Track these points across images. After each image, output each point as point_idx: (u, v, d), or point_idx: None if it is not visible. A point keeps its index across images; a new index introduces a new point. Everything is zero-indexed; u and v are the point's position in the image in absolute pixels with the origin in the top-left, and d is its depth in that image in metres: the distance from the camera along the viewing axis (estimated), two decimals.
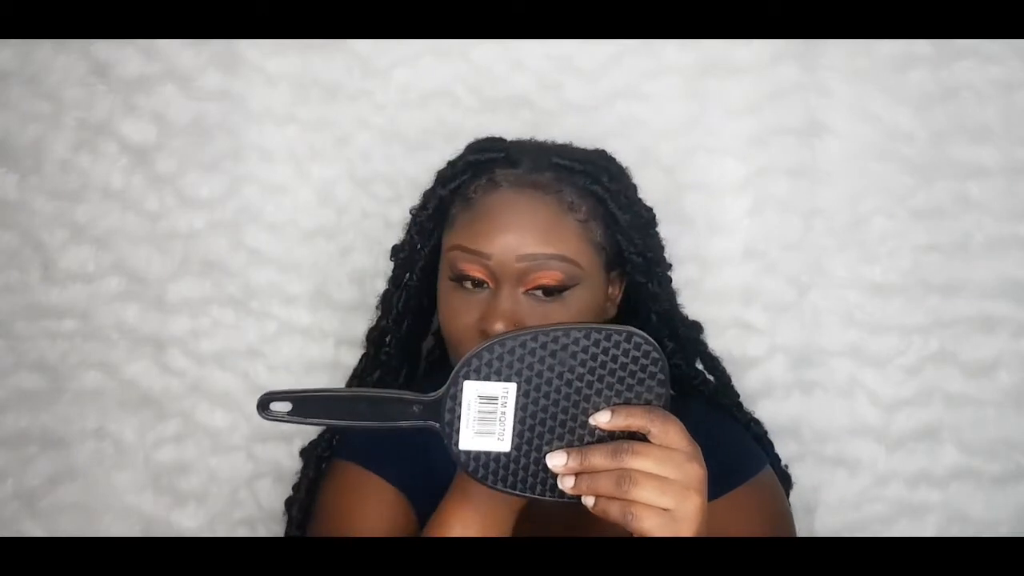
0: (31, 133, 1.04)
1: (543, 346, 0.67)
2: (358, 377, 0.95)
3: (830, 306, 1.07)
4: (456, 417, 0.68)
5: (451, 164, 0.87)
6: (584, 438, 0.69)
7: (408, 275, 0.90)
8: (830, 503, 1.07)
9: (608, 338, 0.67)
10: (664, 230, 0.90)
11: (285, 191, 1.07)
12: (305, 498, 0.94)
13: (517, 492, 0.70)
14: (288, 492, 0.98)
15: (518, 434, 0.68)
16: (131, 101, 1.05)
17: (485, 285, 0.80)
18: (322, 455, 0.94)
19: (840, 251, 1.07)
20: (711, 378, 0.97)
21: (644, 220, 0.87)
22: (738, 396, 0.98)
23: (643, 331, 0.68)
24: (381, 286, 0.96)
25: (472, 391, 0.67)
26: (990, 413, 1.06)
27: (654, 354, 0.68)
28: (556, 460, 0.68)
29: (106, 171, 1.05)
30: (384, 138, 1.08)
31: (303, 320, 1.07)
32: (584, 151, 0.88)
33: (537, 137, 0.91)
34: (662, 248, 0.90)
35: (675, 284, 0.93)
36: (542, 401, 0.68)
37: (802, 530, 1.03)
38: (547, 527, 0.80)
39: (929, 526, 1.06)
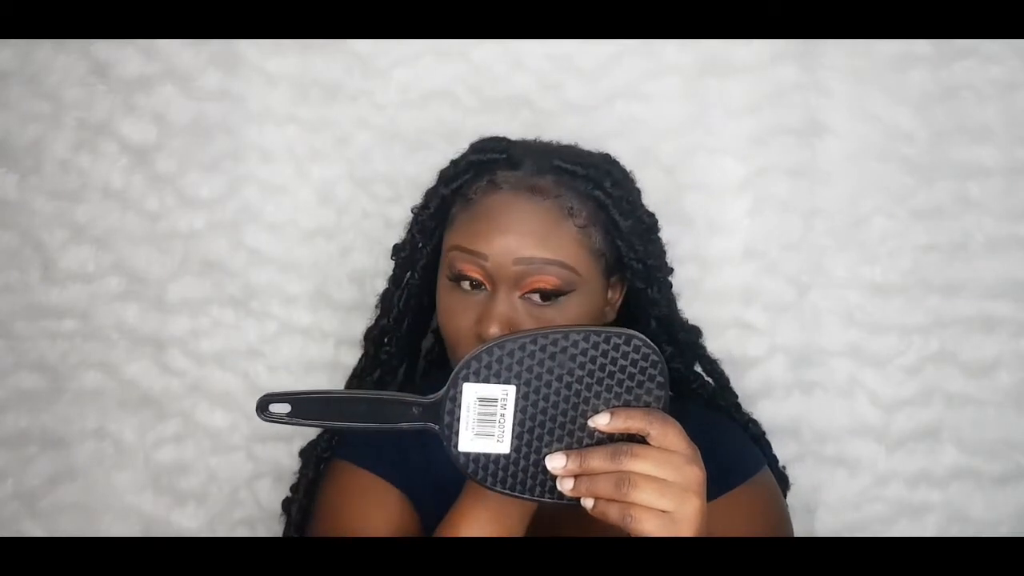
0: (31, 133, 1.04)
1: (542, 349, 0.67)
2: (358, 377, 0.95)
3: (830, 306, 1.07)
4: (455, 419, 0.68)
5: (454, 163, 0.87)
6: (583, 440, 0.69)
7: (409, 274, 0.90)
8: (830, 503, 1.07)
9: (607, 341, 0.67)
10: (664, 230, 0.90)
11: (285, 191, 1.07)
12: (304, 499, 0.93)
13: (516, 494, 0.70)
14: (288, 492, 0.98)
15: (517, 436, 0.68)
16: (131, 101, 1.05)
17: (483, 287, 0.80)
18: (321, 455, 0.94)
19: (840, 251, 1.07)
20: (710, 380, 0.97)
21: (645, 226, 0.86)
22: (736, 397, 0.98)
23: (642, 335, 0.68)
24: (381, 286, 0.95)
25: (471, 393, 0.67)
26: (990, 413, 1.06)
27: (653, 357, 0.68)
28: (555, 462, 0.68)
29: (106, 171, 1.05)
30: (384, 138, 1.08)
31: (303, 320, 1.07)
32: (589, 154, 0.88)
33: (537, 137, 0.91)
34: (663, 254, 0.90)
35: (675, 284, 0.93)
36: (541, 403, 0.68)
37: (802, 530, 1.04)
38: (557, 528, 0.80)
39: (929, 526, 1.06)
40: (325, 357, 1.07)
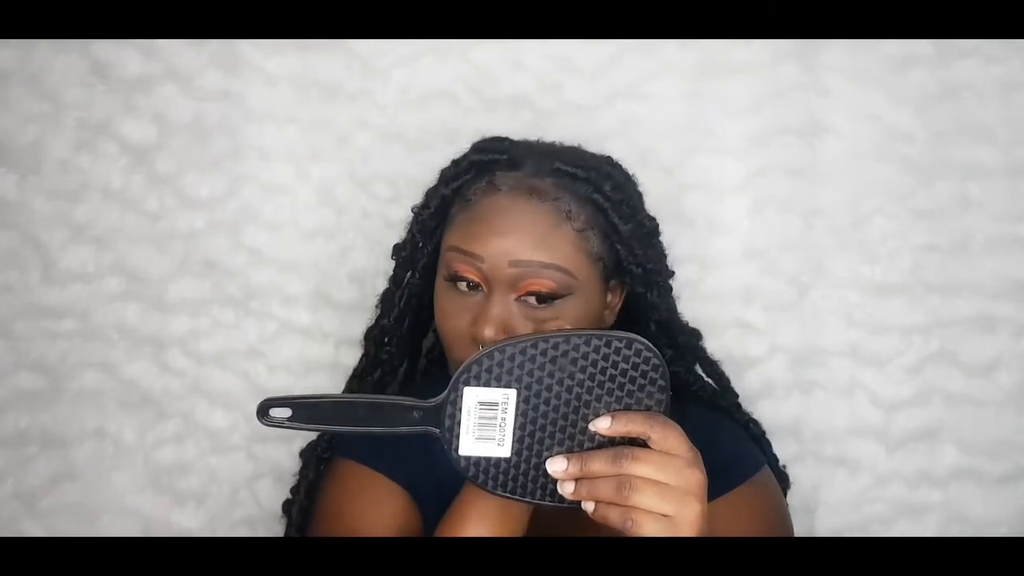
0: (31, 133, 1.04)
1: (543, 352, 0.67)
2: (358, 377, 0.95)
3: (830, 306, 1.07)
4: (456, 423, 0.68)
5: (455, 163, 0.87)
6: (584, 444, 0.69)
7: (409, 274, 0.90)
8: (830, 503, 1.07)
9: (608, 344, 0.67)
10: (664, 230, 0.90)
11: (285, 191, 1.07)
12: (305, 500, 0.93)
13: (517, 497, 0.70)
14: (288, 492, 0.98)
15: (518, 440, 0.68)
16: (131, 101, 1.05)
17: (480, 288, 0.80)
18: (322, 456, 0.94)
19: (840, 251, 1.07)
20: (710, 382, 0.97)
21: (646, 230, 0.86)
22: (737, 397, 0.98)
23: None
24: (381, 286, 0.95)
25: (472, 397, 0.67)
26: (990, 413, 1.06)
27: (654, 360, 0.68)
28: (556, 466, 0.68)
29: (106, 171, 1.05)
30: (384, 138, 1.08)
31: (303, 320, 1.07)
32: (591, 157, 0.87)
33: (540, 138, 0.91)
34: (664, 258, 0.90)
35: (675, 284, 0.93)
36: (542, 407, 0.68)
37: (802, 530, 1.03)
38: (557, 528, 0.80)
39: (929, 526, 1.06)
40: (325, 357, 1.07)
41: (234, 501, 1.06)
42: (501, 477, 0.69)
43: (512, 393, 0.67)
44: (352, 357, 0.99)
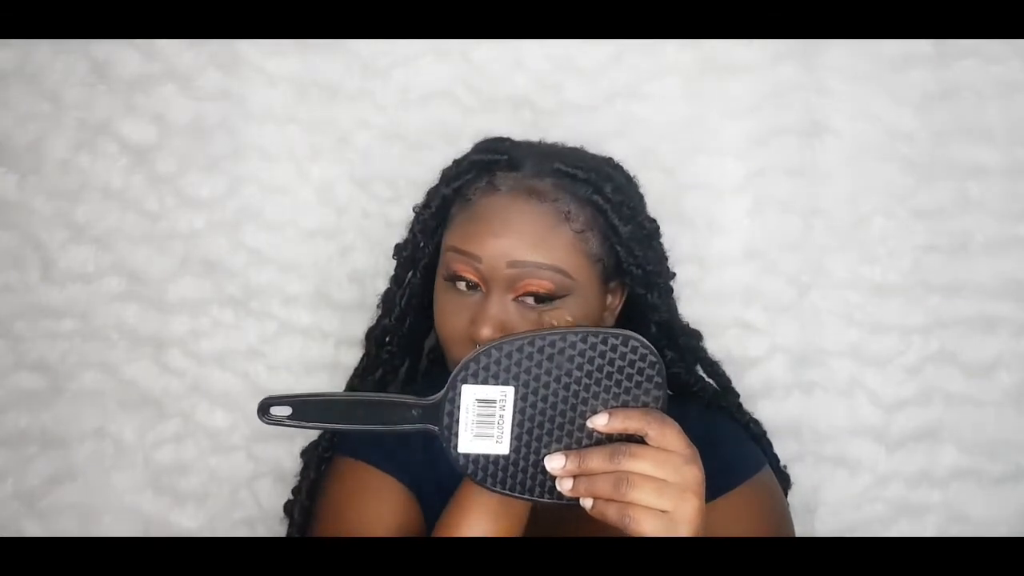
0: (31, 133, 1.04)
1: (540, 350, 0.67)
2: (359, 376, 0.95)
3: (830, 306, 1.07)
4: (454, 421, 0.68)
5: (456, 163, 0.87)
6: (582, 441, 0.69)
7: (411, 273, 0.90)
8: (830, 503, 1.07)
9: (605, 342, 0.67)
10: (664, 230, 0.90)
11: (285, 191, 1.07)
12: (306, 500, 0.93)
13: (516, 494, 0.70)
14: (288, 492, 0.98)
15: (516, 437, 0.68)
16: (131, 101, 1.05)
17: (478, 288, 0.80)
18: (323, 455, 0.94)
19: (840, 251, 1.07)
20: (711, 382, 0.97)
21: (646, 232, 0.86)
22: (738, 397, 0.98)
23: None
24: (381, 286, 0.95)
25: (470, 395, 0.67)
26: (990, 413, 1.06)
27: (651, 357, 0.68)
28: (554, 463, 0.68)
29: (106, 171, 1.05)
30: (384, 138, 1.08)
31: (303, 320, 1.07)
32: (592, 158, 0.87)
33: (538, 137, 0.91)
34: (665, 259, 0.90)
35: (675, 284, 0.93)
36: (540, 404, 0.68)
37: (802, 530, 1.03)
38: (558, 528, 0.80)
39: (929, 526, 1.06)
40: (325, 357, 1.07)
41: (234, 501, 1.06)
42: (500, 474, 0.69)
43: (510, 391, 0.68)
44: (352, 357, 0.99)
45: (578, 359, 0.67)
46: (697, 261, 1.07)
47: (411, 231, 0.90)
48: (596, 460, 0.67)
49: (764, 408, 1.05)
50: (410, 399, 0.68)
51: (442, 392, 0.68)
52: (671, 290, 0.91)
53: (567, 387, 0.68)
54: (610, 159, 0.89)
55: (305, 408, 0.67)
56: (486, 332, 0.77)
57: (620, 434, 0.68)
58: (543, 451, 0.69)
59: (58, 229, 1.04)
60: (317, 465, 0.94)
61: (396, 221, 1.05)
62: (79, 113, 1.05)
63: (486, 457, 0.69)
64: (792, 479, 1.01)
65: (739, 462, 0.86)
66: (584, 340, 0.67)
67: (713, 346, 0.98)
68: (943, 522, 1.06)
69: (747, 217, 1.08)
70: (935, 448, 1.07)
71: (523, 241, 0.78)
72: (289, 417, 0.67)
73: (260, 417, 0.66)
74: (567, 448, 0.69)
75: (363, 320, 0.98)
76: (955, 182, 1.07)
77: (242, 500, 1.06)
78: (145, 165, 1.05)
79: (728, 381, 0.98)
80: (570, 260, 0.79)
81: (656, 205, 0.90)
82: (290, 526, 0.95)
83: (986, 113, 1.06)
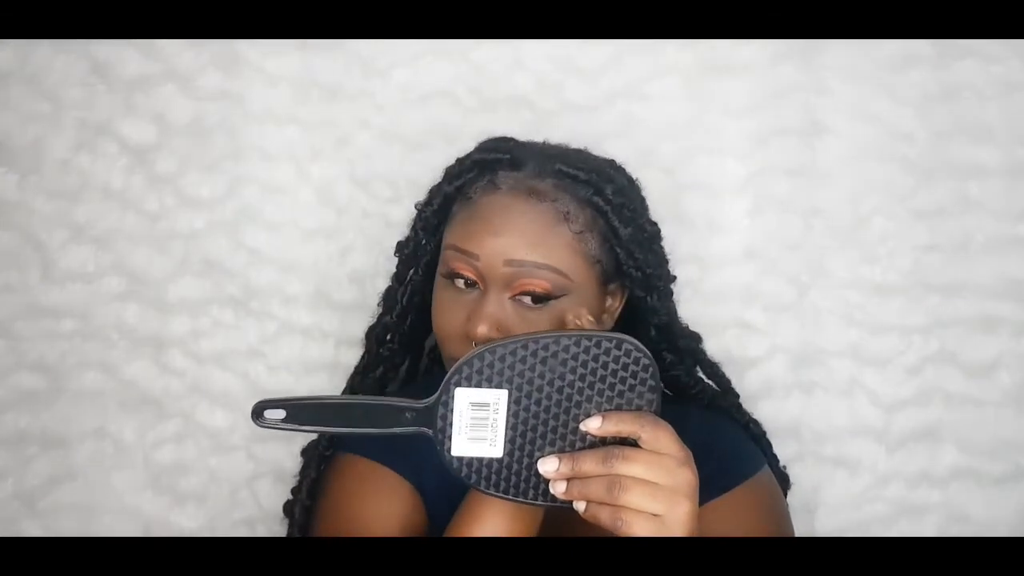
0: (31, 133, 1.04)
1: (533, 354, 0.67)
2: (360, 374, 0.95)
3: (830, 306, 1.07)
4: (448, 424, 0.68)
5: (459, 161, 0.88)
6: (576, 444, 0.69)
7: (412, 271, 0.91)
8: (830, 503, 1.07)
9: (598, 345, 0.67)
10: (664, 230, 0.90)
11: (285, 191, 1.07)
12: (307, 499, 0.93)
13: (510, 497, 0.70)
14: (289, 492, 0.98)
15: (510, 440, 0.69)
16: (131, 101, 1.05)
17: (476, 286, 0.80)
18: (323, 454, 0.93)
19: (840, 251, 1.07)
20: (711, 383, 0.97)
21: (647, 235, 0.86)
22: (738, 398, 0.98)
23: (639, 340, 0.68)
24: (381, 286, 0.95)
25: (463, 398, 0.68)
26: (990, 413, 1.06)
27: (644, 360, 0.68)
28: (548, 466, 0.68)
29: (106, 171, 1.05)
30: (384, 138, 1.08)
31: (303, 320, 1.07)
32: (594, 159, 0.87)
33: (537, 137, 0.91)
34: (665, 263, 0.89)
35: (675, 284, 0.93)
36: (533, 408, 0.68)
37: (802, 530, 1.03)
38: (560, 527, 0.80)
39: (929, 526, 1.06)
40: (325, 357, 1.07)
41: (234, 501, 1.06)
42: (494, 477, 0.70)
43: (503, 394, 0.68)
44: (352, 357, 0.99)
45: (571, 362, 0.67)
46: (697, 261, 1.07)
47: (413, 228, 0.90)
48: (589, 463, 0.67)
49: (764, 408, 1.05)
50: (403, 402, 0.68)
51: (435, 395, 0.68)
52: (671, 293, 0.91)
53: (560, 390, 0.68)
54: (612, 161, 0.89)
55: (299, 411, 0.67)
56: (482, 330, 0.77)
57: (614, 437, 0.68)
58: (537, 454, 0.69)
59: (58, 229, 1.04)
60: (318, 463, 0.93)
61: (396, 221, 1.05)
62: (79, 113, 1.05)
63: (480, 460, 0.69)
64: (792, 479, 1.01)
65: (738, 462, 0.86)
66: (577, 343, 0.67)
67: (713, 346, 0.98)
68: (943, 522, 1.06)
69: (747, 217, 1.08)
70: (935, 448, 1.07)
71: (521, 240, 0.78)
72: (283, 420, 0.67)
73: (254, 421, 0.67)
74: (561, 451, 0.69)
75: (363, 320, 0.98)
76: (955, 182, 1.07)
77: (242, 500, 1.06)
78: (145, 165, 1.05)
79: (728, 382, 0.97)
80: (568, 261, 0.79)
81: (656, 205, 0.90)
82: (291, 526, 0.94)
83: (986, 113, 1.06)
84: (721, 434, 0.89)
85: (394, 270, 0.93)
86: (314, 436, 0.97)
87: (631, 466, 0.65)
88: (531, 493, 0.70)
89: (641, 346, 0.67)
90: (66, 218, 1.04)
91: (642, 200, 0.89)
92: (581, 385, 0.68)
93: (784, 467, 0.99)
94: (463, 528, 0.74)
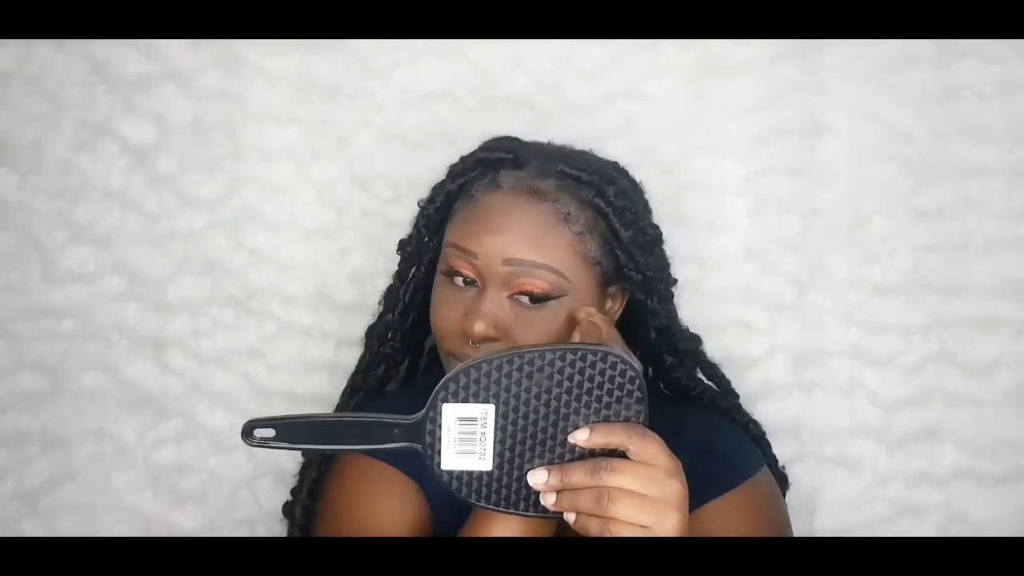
0: (31, 133, 1.04)
1: (519, 368, 0.67)
2: (362, 373, 0.95)
3: (830, 306, 1.07)
4: (437, 439, 0.68)
5: (463, 159, 0.88)
6: (565, 456, 0.69)
7: (415, 269, 0.91)
8: (830, 503, 1.07)
9: (583, 358, 0.67)
10: (664, 230, 0.90)
11: (285, 191, 1.07)
12: (308, 499, 0.93)
13: (501, 509, 0.70)
14: (288, 492, 0.98)
15: (499, 453, 0.69)
16: (131, 101, 1.05)
17: (475, 284, 0.80)
18: (325, 452, 0.93)
19: (840, 251, 1.07)
20: (711, 385, 0.96)
21: (648, 238, 0.86)
22: (738, 398, 0.98)
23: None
24: (381, 286, 0.96)
25: (451, 413, 0.68)
26: (990, 413, 1.06)
27: (630, 372, 0.67)
28: (537, 478, 0.68)
29: (106, 171, 1.05)
30: (384, 138, 1.08)
31: (303, 320, 1.07)
32: (597, 161, 0.87)
33: (537, 137, 0.91)
34: (666, 266, 0.89)
35: (675, 286, 0.93)
36: (521, 421, 0.68)
37: (802, 530, 1.03)
38: (564, 528, 0.80)
39: (929, 526, 1.06)
40: (325, 357, 1.07)
41: (234, 501, 1.06)
42: (484, 490, 0.70)
43: (490, 408, 0.68)
44: (352, 357, 0.99)
45: (557, 376, 0.67)
46: (697, 261, 1.07)
47: (415, 226, 0.90)
48: (578, 475, 0.67)
49: (764, 408, 1.05)
50: (392, 418, 0.69)
51: (423, 411, 0.68)
52: (672, 296, 0.91)
53: (548, 403, 0.68)
54: (616, 164, 0.89)
55: (289, 429, 0.68)
56: (479, 327, 0.77)
57: (602, 449, 0.68)
58: (526, 466, 0.69)
59: (58, 229, 1.04)
60: (319, 463, 0.93)
61: (396, 221, 1.05)
62: (79, 113, 1.05)
63: (470, 474, 0.69)
64: (792, 479, 1.01)
65: (738, 463, 0.86)
66: (562, 357, 0.67)
67: (713, 346, 0.98)
68: (943, 522, 1.06)
69: (747, 217, 1.08)
70: (935, 448, 1.07)
71: (520, 239, 0.78)
72: (272, 439, 0.68)
73: (244, 440, 0.67)
74: (550, 463, 0.69)
75: (363, 320, 0.98)
76: (955, 182, 1.07)
77: (242, 500, 1.06)
78: (145, 165, 1.05)
79: (728, 383, 0.97)
80: (567, 261, 0.79)
81: (656, 205, 0.90)
82: (291, 527, 0.94)
83: (986, 113, 1.06)
84: (721, 435, 0.89)
85: (396, 268, 0.93)
86: None
87: (619, 477, 0.65)
88: (522, 505, 0.70)
89: (627, 358, 0.68)
90: (66, 218, 1.04)
91: (645, 203, 0.89)
92: (568, 398, 0.68)
93: (783, 467, 0.99)
94: (480, 528, 0.73)
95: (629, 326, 0.87)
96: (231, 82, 1.06)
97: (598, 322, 0.78)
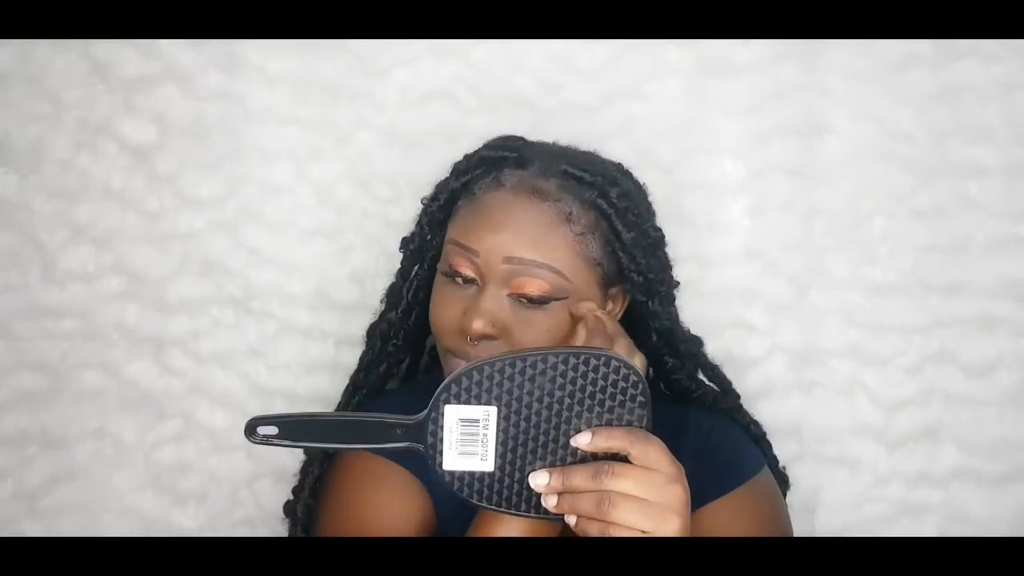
0: (31, 133, 1.04)
1: (521, 372, 0.67)
2: (364, 371, 0.95)
3: (830, 306, 1.07)
4: (439, 440, 0.69)
5: (467, 157, 0.88)
6: (567, 458, 0.69)
7: (417, 267, 0.91)
8: (830, 503, 1.07)
9: (586, 362, 0.67)
10: (664, 230, 0.90)
11: (285, 191, 1.07)
12: (309, 498, 0.93)
13: (502, 510, 0.70)
14: (289, 492, 0.98)
15: (501, 455, 0.69)
16: (131, 101, 1.05)
17: (475, 282, 0.80)
18: (326, 451, 0.93)
19: (840, 251, 1.07)
20: (712, 386, 0.96)
21: (650, 240, 0.86)
22: (738, 399, 0.98)
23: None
24: (381, 286, 0.96)
25: (453, 415, 0.68)
26: (990, 413, 1.06)
27: (633, 377, 0.68)
28: (539, 480, 0.69)
29: (106, 171, 1.05)
30: (384, 138, 1.08)
31: (303, 320, 1.07)
32: (602, 163, 0.87)
33: (538, 137, 0.91)
34: (668, 268, 0.89)
35: (677, 288, 0.93)
36: (523, 423, 0.68)
37: (802, 530, 1.03)
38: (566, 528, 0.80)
39: (929, 526, 1.06)
40: (325, 357, 1.07)
41: (234, 501, 1.06)
42: (486, 491, 0.70)
43: (492, 410, 0.68)
44: (352, 357, 0.99)
45: (559, 379, 0.67)
46: (697, 261, 1.07)
47: (418, 224, 0.90)
48: (579, 478, 0.67)
49: (764, 408, 1.05)
50: (394, 418, 0.69)
51: (425, 412, 0.68)
52: (673, 298, 0.91)
53: (550, 406, 0.68)
54: (620, 165, 0.89)
55: (291, 428, 0.68)
56: (478, 325, 0.77)
57: (604, 452, 0.68)
58: (528, 468, 0.69)
59: (58, 229, 1.04)
60: (321, 460, 0.93)
61: (396, 221, 1.05)
62: (79, 113, 1.05)
63: (471, 474, 0.70)
64: (792, 479, 1.01)
65: (738, 464, 0.86)
66: (565, 361, 0.67)
67: (713, 346, 0.98)
68: (943, 522, 1.06)
69: (747, 217, 1.08)
70: (935, 448, 1.07)
71: (521, 238, 0.78)
72: (276, 436, 0.68)
73: (248, 437, 0.68)
74: (552, 465, 0.69)
75: (363, 320, 0.98)
76: (955, 182, 1.07)
77: (242, 500, 1.06)
78: (145, 165, 1.05)
79: (728, 383, 0.97)
80: (568, 262, 0.79)
81: (656, 205, 0.90)
82: (293, 526, 0.94)
83: (986, 113, 1.06)
84: (721, 436, 0.89)
85: (399, 266, 0.93)
86: None
87: (620, 482, 0.65)
88: (523, 506, 0.70)
89: (630, 363, 0.68)
90: (66, 218, 1.04)
91: (648, 205, 0.89)
92: (570, 401, 0.68)
93: (784, 468, 0.99)
94: (489, 527, 0.73)
95: (630, 328, 0.87)
96: (231, 82, 1.06)
97: (603, 317, 0.78)
